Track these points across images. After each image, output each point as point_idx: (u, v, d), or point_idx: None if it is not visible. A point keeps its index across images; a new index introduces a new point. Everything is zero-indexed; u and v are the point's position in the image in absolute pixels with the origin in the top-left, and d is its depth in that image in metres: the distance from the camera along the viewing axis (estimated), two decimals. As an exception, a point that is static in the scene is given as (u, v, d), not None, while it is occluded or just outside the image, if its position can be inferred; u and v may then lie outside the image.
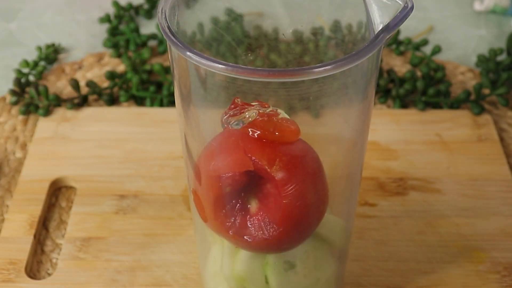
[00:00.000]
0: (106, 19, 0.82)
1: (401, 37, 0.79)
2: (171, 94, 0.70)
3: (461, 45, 0.80)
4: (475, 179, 0.61)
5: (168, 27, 0.36)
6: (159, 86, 0.73)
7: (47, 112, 0.68)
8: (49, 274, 0.55)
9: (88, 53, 0.78)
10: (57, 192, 0.62)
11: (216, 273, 0.46)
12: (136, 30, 0.79)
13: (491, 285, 0.53)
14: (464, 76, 0.74)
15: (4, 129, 0.68)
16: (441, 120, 0.68)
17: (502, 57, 0.76)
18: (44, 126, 0.67)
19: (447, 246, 0.56)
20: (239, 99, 0.38)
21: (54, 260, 0.56)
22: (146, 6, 0.85)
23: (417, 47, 0.78)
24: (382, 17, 0.37)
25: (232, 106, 0.38)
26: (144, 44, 0.78)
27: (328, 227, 0.44)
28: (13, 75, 0.74)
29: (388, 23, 0.36)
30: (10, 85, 0.73)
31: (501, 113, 0.69)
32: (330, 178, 0.41)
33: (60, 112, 0.68)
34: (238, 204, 0.40)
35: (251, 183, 0.40)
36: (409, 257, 0.55)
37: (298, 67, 0.36)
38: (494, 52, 0.74)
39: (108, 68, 0.76)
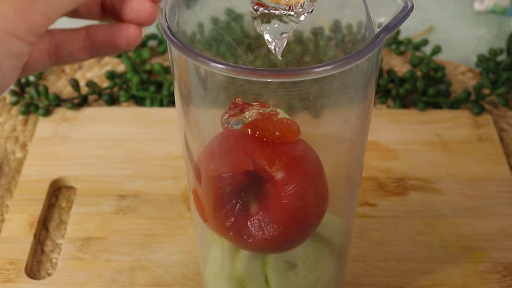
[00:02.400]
0: (106, 19, 0.82)
1: (401, 37, 0.79)
2: (171, 94, 0.70)
3: (461, 45, 0.80)
4: (475, 179, 0.61)
5: (168, 27, 0.36)
6: (159, 86, 0.73)
7: (47, 112, 0.68)
8: (49, 274, 0.55)
9: (88, 53, 0.78)
10: (57, 192, 0.62)
11: (216, 273, 0.46)
12: (136, 30, 0.79)
13: (491, 285, 0.53)
14: (464, 76, 0.74)
15: (4, 129, 0.68)
16: (441, 120, 0.67)
17: (502, 57, 0.76)
18: (44, 126, 0.67)
19: (447, 246, 0.56)
20: (239, 99, 0.38)
21: (54, 260, 0.56)
22: (146, 6, 0.85)
23: (417, 47, 0.78)
24: (382, 17, 0.37)
25: (232, 106, 0.38)
26: (144, 44, 0.78)
27: (328, 227, 0.44)
28: (13, 75, 0.74)
29: (388, 23, 0.36)
30: (10, 85, 0.73)
31: (501, 113, 0.69)
32: (330, 178, 0.41)
33: (60, 112, 0.68)
34: (238, 204, 0.40)
35: (251, 183, 0.40)
36: (409, 257, 0.55)
37: (298, 67, 0.36)
38: (494, 52, 0.74)
39: (108, 68, 0.76)
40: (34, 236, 0.57)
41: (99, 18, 0.37)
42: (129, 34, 0.35)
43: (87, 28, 0.36)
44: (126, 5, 0.35)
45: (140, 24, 0.35)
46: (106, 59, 0.77)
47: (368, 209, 0.59)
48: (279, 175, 0.38)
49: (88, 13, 0.36)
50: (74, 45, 0.36)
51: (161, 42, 0.78)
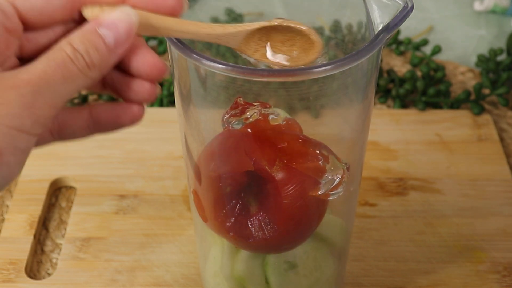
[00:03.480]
0: (106, 19, 0.82)
1: (401, 37, 0.79)
2: (171, 94, 0.70)
3: (461, 45, 0.80)
4: (475, 179, 0.61)
5: (168, 27, 0.36)
6: (159, 86, 0.73)
7: (47, 112, 0.68)
8: (49, 274, 0.55)
9: (88, 53, 0.78)
10: (57, 192, 0.62)
11: (216, 273, 0.46)
12: (136, 30, 0.79)
13: (491, 285, 0.53)
14: (464, 76, 0.74)
15: (4, 129, 0.68)
16: (441, 120, 0.68)
17: (502, 57, 0.76)
18: (44, 126, 0.67)
19: (447, 246, 0.56)
20: (241, 99, 0.38)
21: (54, 260, 0.56)
22: (146, 6, 0.84)
23: (417, 47, 0.78)
24: (382, 17, 0.37)
25: (234, 105, 0.38)
26: (144, 44, 0.78)
27: (328, 227, 0.44)
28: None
29: (388, 23, 0.36)
30: (10, 85, 0.73)
31: (501, 113, 0.69)
32: (330, 178, 0.41)
33: (60, 112, 0.68)
34: (238, 204, 0.40)
35: (251, 184, 0.40)
36: (409, 257, 0.55)
37: (298, 67, 0.36)
38: (494, 52, 0.74)
39: (108, 68, 0.75)
40: (34, 236, 0.57)
41: (99, 91, 0.37)
42: (132, 113, 0.35)
43: (90, 108, 0.36)
44: (126, 85, 0.35)
45: (141, 103, 0.35)
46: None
47: (368, 209, 0.59)
48: (279, 175, 0.38)
49: (89, 88, 0.36)
50: (78, 125, 0.36)
51: (161, 42, 0.78)
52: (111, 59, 0.33)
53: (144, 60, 0.34)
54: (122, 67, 0.35)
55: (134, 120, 0.36)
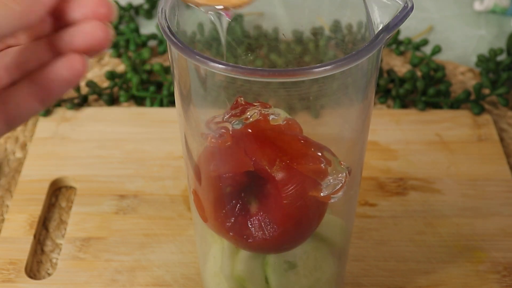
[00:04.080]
0: (106, 19, 0.82)
1: (401, 37, 0.79)
2: (171, 94, 0.70)
3: (461, 45, 0.80)
4: (475, 179, 0.61)
5: (168, 27, 0.36)
6: (159, 86, 0.73)
7: (47, 112, 0.68)
8: (49, 274, 0.55)
9: (88, 53, 0.78)
10: (57, 192, 0.62)
11: (216, 273, 0.46)
12: (136, 30, 0.79)
13: (491, 285, 0.53)
14: (464, 76, 0.74)
15: (4, 129, 0.68)
16: (441, 120, 0.68)
17: (502, 57, 0.76)
18: (44, 126, 0.67)
19: (447, 246, 0.56)
20: (242, 98, 0.38)
21: (54, 260, 0.56)
22: (146, 6, 0.85)
23: (417, 47, 0.78)
24: (382, 17, 0.37)
25: (234, 105, 0.38)
26: (144, 44, 0.78)
27: (328, 227, 0.44)
28: (13, 75, 0.74)
29: (388, 23, 0.36)
30: (10, 85, 0.73)
31: (501, 113, 0.69)
32: (330, 178, 0.41)
33: (60, 112, 0.68)
34: (238, 205, 0.40)
35: (251, 184, 0.40)
36: (409, 257, 0.55)
37: (298, 67, 0.36)
38: (494, 52, 0.74)
39: (108, 68, 0.76)
40: (34, 236, 0.57)
41: (33, 48, 0.33)
42: (73, 65, 0.32)
43: (30, 77, 0.33)
44: (70, 34, 0.32)
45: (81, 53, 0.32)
46: (106, 59, 0.77)
47: (368, 209, 0.59)
48: (279, 175, 0.38)
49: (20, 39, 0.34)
50: (23, 101, 0.33)
51: (161, 42, 0.78)
52: None
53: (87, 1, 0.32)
54: (62, 17, 0.32)
55: (78, 73, 0.32)
